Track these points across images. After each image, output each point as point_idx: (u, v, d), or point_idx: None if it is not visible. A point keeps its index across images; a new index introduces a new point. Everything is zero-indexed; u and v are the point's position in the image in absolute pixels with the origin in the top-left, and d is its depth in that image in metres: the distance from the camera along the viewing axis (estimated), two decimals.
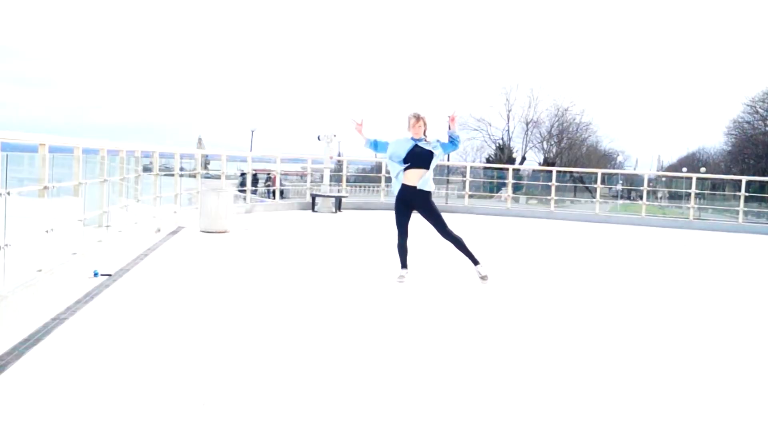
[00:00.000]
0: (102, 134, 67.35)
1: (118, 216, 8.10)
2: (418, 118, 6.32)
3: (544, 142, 53.87)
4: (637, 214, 18.68)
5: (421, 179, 6.35)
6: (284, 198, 19.49)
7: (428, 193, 6.43)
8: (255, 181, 22.90)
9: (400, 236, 6.47)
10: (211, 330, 4.41)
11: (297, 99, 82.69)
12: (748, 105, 47.70)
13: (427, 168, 6.36)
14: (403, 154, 6.33)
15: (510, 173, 18.04)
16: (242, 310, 5.03)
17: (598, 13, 71.44)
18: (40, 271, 4.96)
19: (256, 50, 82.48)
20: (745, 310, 6.20)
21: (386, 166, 19.66)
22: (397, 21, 77.94)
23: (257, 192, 19.39)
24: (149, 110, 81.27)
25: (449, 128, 6.43)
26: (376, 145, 6.59)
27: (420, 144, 6.34)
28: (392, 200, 6.62)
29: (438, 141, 6.44)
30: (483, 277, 6.41)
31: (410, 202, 6.41)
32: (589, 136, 54.76)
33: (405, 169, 6.35)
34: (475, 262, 6.44)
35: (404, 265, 6.49)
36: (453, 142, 6.46)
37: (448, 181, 24.36)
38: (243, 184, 19.74)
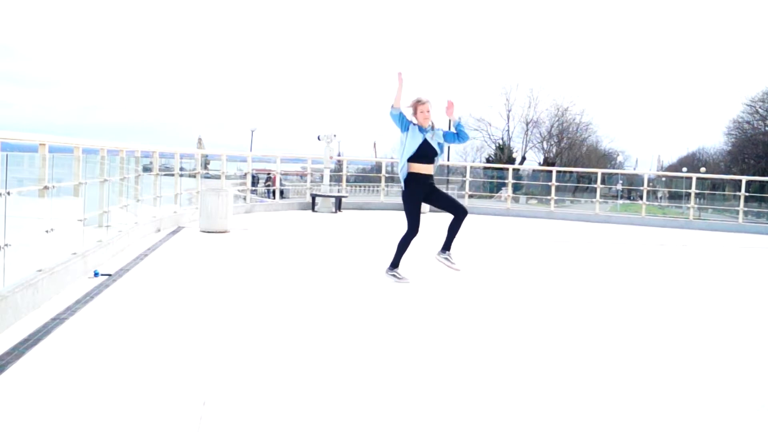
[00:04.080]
0: (102, 134, 67.44)
1: (118, 216, 8.10)
2: (422, 102, 6.09)
3: (544, 142, 53.92)
4: (637, 214, 18.69)
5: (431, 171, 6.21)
6: (284, 198, 19.50)
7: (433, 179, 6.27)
8: (255, 182, 22.95)
9: (411, 230, 6.15)
10: (211, 330, 4.40)
11: (297, 99, 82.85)
12: (748, 105, 47.75)
13: (432, 163, 6.19)
14: (414, 148, 6.05)
15: (510, 173, 18.04)
16: (242, 310, 5.03)
17: (597, 13, 71.47)
18: (40, 271, 4.96)
19: (256, 50, 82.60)
20: (745, 310, 6.20)
21: (386, 165, 19.70)
22: (397, 21, 77.97)
23: (257, 192, 19.39)
24: (149, 110, 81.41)
25: (450, 116, 6.24)
26: (401, 119, 6.13)
27: (428, 139, 6.10)
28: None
29: (442, 133, 6.23)
30: (444, 259, 6.26)
31: (424, 190, 6.14)
32: (589, 136, 54.85)
33: (409, 160, 6.09)
34: (449, 248, 6.26)
35: (397, 264, 6.23)
36: (459, 135, 6.28)
37: (448, 181, 24.39)
38: (253, 183, 19.77)
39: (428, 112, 6.11)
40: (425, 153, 6.11)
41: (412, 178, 6.14)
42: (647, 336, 4.86)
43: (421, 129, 6.13)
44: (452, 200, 6.36)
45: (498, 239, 11.26)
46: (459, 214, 6.19)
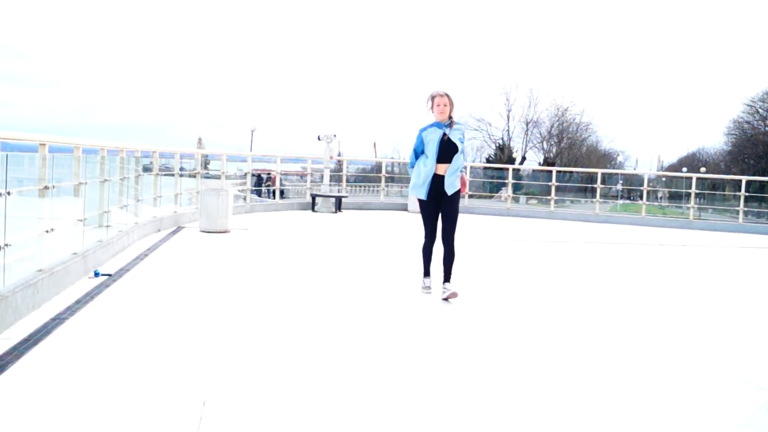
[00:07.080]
0: (102, 134, 67.53)
1: (119, 216, 8.10)
2: (442, 95, 5.70)
3: (544, 142, 53.94)
4: (637, 214, 18.70)
5: (448, 174, 5.69)
6: (284, 198, 19.49)
7: (457, 192, 5.79)
8: (260, 182, 22.95)
9: (427, 236, 5.83)
10: (211, 330, 4.40)
11: (297, 99, 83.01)
12: (748, 105, 47.76)
13: (448, 163, 5.69)
14: (436, 146, 5.65)
15: (510, 173, 18.03)
16: (242, 310, 5.03)
17: (597, 12, 71.53)
18: (40, 271, 4.96)
19: (256, 50, 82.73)
20: (745, 310, 6.20)
21: (386, 165, 19.66)
22: (397, 21, 78.04)
23: (260, 192, 19.41)
24: (149, 110, 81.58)
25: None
26: (414, 162, 5.88)
27: (447, 133, 5.69)
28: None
29: (463, 135, 5.81)
30: (448, 295, 5.64)
31: (438, 195, 5.72)
32: (589, 136, 54.90)
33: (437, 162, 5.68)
34: (448, 279, 5.74)
35: (427, 273, 5.94)
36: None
37: None
38: (258, 183, 19.71)
39: (445, 105, 5.70)
40: (444, 151, 5.69)
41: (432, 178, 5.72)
42: (648, 336, 4.86)
43: (439, 124, 5.74)
44: (451, 227, 5.78)
45: (498, 239, 11.25)
46: (446, 245, 5.77)
